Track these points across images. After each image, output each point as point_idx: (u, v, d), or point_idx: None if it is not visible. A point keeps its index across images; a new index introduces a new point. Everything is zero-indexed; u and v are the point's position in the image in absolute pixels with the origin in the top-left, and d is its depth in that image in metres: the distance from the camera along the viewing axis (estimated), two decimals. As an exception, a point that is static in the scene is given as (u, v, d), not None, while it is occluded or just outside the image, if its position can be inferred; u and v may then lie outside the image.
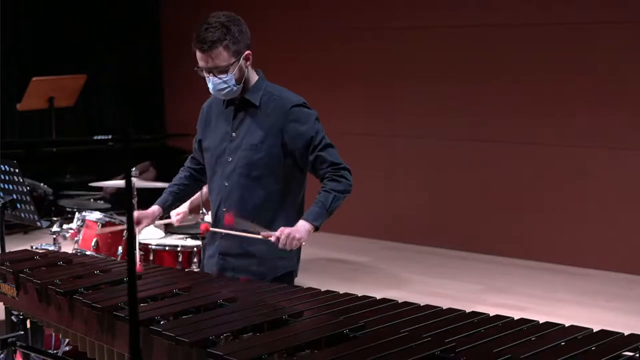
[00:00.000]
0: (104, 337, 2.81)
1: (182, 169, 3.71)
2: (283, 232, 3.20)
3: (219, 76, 3.26)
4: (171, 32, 9.37)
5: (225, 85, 3.28)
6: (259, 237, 3.24)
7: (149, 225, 3.61)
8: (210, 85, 3.31)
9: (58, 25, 8.76)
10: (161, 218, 3.71)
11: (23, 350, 3.70)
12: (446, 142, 7.48)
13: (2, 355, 3.54)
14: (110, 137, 7.71)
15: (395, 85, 7.75)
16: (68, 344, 4.19)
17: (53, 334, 4.12)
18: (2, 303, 3.61)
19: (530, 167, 7.06)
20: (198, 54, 3.27)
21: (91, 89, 8.70)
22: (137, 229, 3.49)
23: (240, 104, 3.37)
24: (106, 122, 9.07)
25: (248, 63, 3.31)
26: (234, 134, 3.37)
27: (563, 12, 6.80)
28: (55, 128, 8.11)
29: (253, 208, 3.33)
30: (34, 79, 7.83)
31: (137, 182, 4.64)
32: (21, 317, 3.68)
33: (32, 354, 3.78)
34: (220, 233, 3.38)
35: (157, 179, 5.02)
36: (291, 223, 3.27)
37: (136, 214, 3.49)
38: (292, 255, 3.39)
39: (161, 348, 2.53)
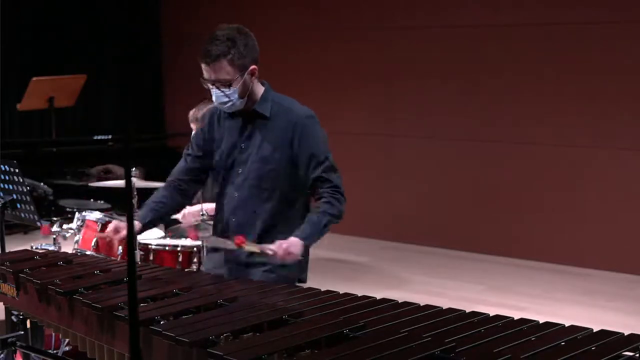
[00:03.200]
0: (104, 337, 2.81)
1: (166, 184, 3.54)
2: (280, 246, 3.17)
3: (222, 89, 3.23)
4: (171, 32, 9.37)
5: (227, 99, 3.25)
6: (258, 251, 3.23)
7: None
8: (213, 97, 3.29)
9: (58, 25, 8.76)
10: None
11: (23, 350, 3.70)
12: (446, 142, 7.47)
13: (2, 355, 3.54)
14: (110, 137, 7.71)
15: (395, 85, 7.75)
16: (68, 344, 4.19)
17: (53, 334, 4.12)
18: (2, 303, 3.61)
19: (530, 167, 7.06)
20: (203, 66, 3.24)
21: (91, 89, 8.70)
22: (115, 238, 3.39)
23: (249, 116, 3.35)
24: (106, 122, 9.07)
25: (253, 78, 3.28)
26: (243, 145, 3.35)
27: (563, 12, 6.79)
28: (55, 128, 8.11)
29: (263, 218, 3.34)
30: (34, 79, 7.83)
31: (137, 182, 4.65)
32: (21, 317, 3.68)
33: (32, 354, 3.79)
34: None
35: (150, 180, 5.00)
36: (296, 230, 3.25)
37: (115, 223, 3.40)
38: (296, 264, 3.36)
39: (161, 348, 2.53)
